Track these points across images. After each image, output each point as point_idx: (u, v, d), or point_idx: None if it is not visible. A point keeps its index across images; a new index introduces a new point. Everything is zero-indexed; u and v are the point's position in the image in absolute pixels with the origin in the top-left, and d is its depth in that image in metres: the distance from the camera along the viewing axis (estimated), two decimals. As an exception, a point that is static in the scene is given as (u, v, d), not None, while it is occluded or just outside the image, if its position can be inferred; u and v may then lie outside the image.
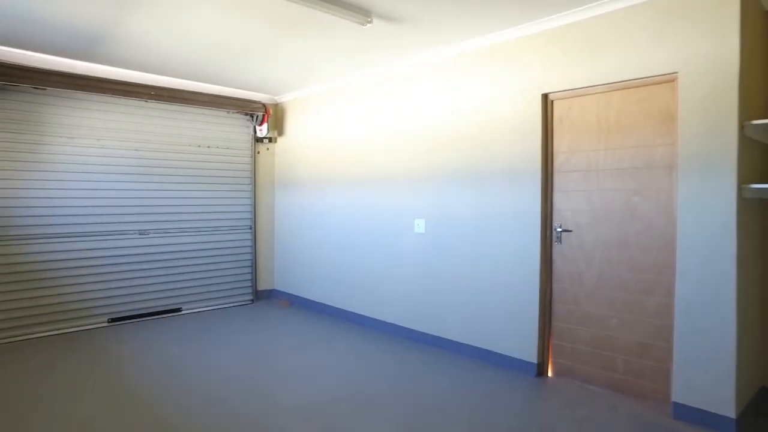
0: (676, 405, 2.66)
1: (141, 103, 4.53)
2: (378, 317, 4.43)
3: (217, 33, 3.42)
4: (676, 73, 2.64)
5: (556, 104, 3.26)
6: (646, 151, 2.83)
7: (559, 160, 3.25)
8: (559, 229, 3.24)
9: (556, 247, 3.27)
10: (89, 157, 4.27)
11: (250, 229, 5.47)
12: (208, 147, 5.05)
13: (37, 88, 3.93)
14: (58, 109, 4.09)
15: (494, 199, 3.54)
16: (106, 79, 4.19)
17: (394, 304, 4.29)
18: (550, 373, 3.33)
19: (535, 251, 3.30)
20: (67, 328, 4.18)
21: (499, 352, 3.52)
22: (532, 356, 3.33)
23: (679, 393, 2.65)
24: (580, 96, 3.12)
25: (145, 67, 4.28)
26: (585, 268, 3.12)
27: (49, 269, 4.08)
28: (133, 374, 3.24)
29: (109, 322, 4.40)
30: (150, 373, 3.27)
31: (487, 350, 3.59)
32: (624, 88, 2.90)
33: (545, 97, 3.28)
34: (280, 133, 5.66)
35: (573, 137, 3.17)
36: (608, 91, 2.98)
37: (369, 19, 3.10)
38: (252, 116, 5.37)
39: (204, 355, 3.63)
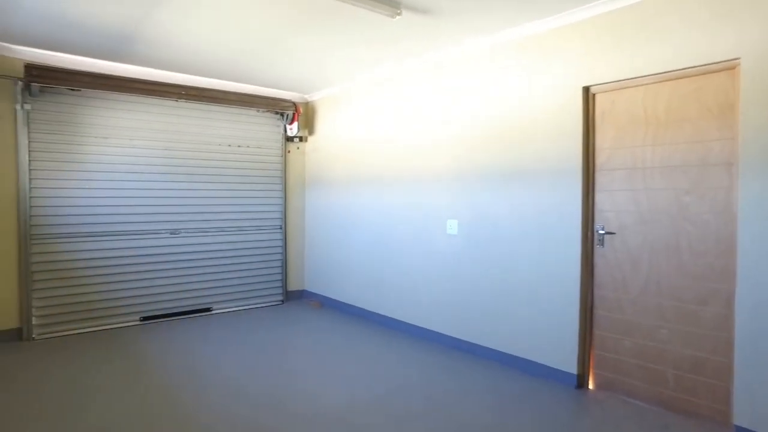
0: (740, 430, 2.40)
1: (171, 102, 4.54)
2: (408, 321, 4.30)
3: (246, 30, 3.37)
4: (738, 59, 2.39)
5: (598, 98, 3.03)
6: (700, 147, 2.58)
7: (601, 158, 3.02)
8: (602, 232, 3.02)
9: (598, 251, 3.04)
10: (122, 157, 4.31)
11: (281, 228, 5.44)
12: (239, 146, 5.04)
13: (72, 90, 3.99)
14: (92, 109, 4.15)
15: (531, 200, 3.34)
16: (137, 79, 4.22)
17: (425, 308, 4.15)
18: (591, 386, 3.11)
19: (575, 254, 3.09)
20: (101, 325, 4.24)
21: (535, 360, 3.32)
22: (571, 366, 3.12)
23: (742, 416, 2.39)
24: (625, 88, 2.89)
25: (175, 67, 4.29)
26: (630, 274, 2.89)
27: (84, 267, 4.15)
28: (159, 374, 3.22)
29: (140, 320, 4.44)
30: (177, 373, 3.24)
31: (522, 358, 3.40)
32: (676, 78, 2.66)
33: (586, 90, 3.06)
34: (311, 131, 5.60)
35: (617, 133, 2.94)
36: (658, 82, 2.74)
37: (398, 11, 2.97)
38: (282, 115, 5.32)
39: (231, 356, 3.58)
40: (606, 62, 2.92)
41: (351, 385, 3.10)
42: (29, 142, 3.86)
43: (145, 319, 4.46)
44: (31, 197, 3.88)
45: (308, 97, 5.55)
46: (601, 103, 3.02)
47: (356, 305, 4.89)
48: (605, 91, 2.99)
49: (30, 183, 3.88)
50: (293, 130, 5.33)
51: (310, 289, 5.63)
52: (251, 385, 3.07)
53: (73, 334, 4.08)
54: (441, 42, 3.62)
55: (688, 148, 2.63)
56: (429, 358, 3.62)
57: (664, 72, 2.66)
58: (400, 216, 4.38)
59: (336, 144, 5.18)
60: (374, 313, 4.67)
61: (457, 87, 3.85)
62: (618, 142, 2.93)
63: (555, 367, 3.20)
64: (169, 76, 4.45)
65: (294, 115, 5.28)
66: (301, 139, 5.55)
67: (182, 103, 4.60)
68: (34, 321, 3.93)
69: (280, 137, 5.39)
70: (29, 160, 3.87)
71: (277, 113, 5.30)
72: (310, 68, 4.33)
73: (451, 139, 3.90)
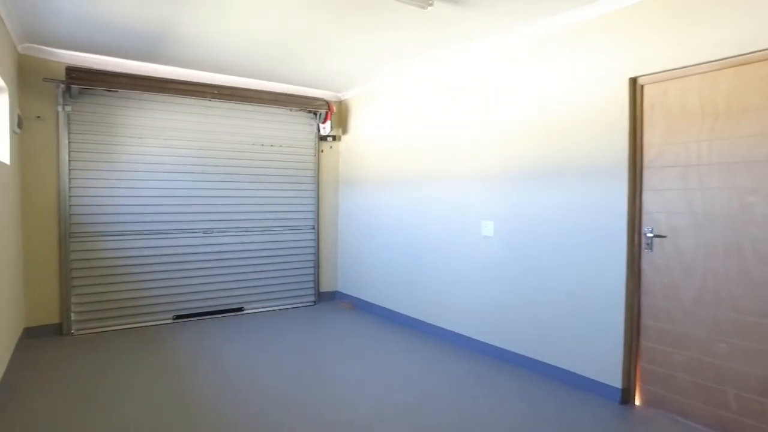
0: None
1: (205, 102, 4.57)
2: (441, 325, 4.14)
3: (277, 28, 3.33)
4: (811, 41, 2.11)
5: (647, 89, 2.79)
6: (766, 141, 2.31)
7: (650, 155, 2.78)
8: (650, 234, 2.77)
9: (646, 255, 2.80)
10: (157, 157, 4.37)
11: (313, 228, 5.39)
12: (271, 146, 5.02)
13: (109, 91, 4.07)
14: (129, 110, 4.22)
15: (572, 200, 3.12)
16: (171, 79, 4.27)
17: (458, 313, 3.98)
18: (637, 402, 2.86)
19: (619, 258, 2.85)
20: (136, 323, 4.31)
21: (576, 372, 3.10)
22: (615, 380, 2.88)
23: (811, 442, 2.12)
24: (678, 78, 2.64)
25: (208, 67, 4.31)
26: (682, 281, 2.63)
27: (120, 265, 4.22)
28: (188, 374, 3.21)
29: (173, 318, 4.48)
30: (205, 374, 3.22)
31: (562, 369, 3.18)
32: (739, 65, 2.39)
33: (633, 81, 2.82)
34: (344, 130, 5.53)
35: (668, 126, 2.69)
36: (717, 70, 2.48)
37: (430, 2, 2.84)
38: (315, 114, 5.27)
39: (261, 358, 3.54)
40: (656, 50, 2.67)
41: (381, 392, 2.98)
42: (69, 142, 3.97)
43: (178, 317, 4.50)
44: (70, 196, 3.99)
45: (341, 96, 5.48)
46: (650, 95, 2.77)
47: (388, 307, 4.77)
48: (655, 82, 2.74)
49: (69, 182, 3.98)
50: (326, 129, 5.27)
51: (342, 290, 5.56)
52: (279, 388, 3.01)
53: (109, 330, 4.16)
54: (474, 33, 3.45)
55: (753, 143, 2.35)
56: (462, 365, 3.45)
57: (725, 58, 2.40)
58: (433, 216, 4.23)
59: (369, 143, 5.08)
60: (406, 316, 4.53)
61: (490, 83, 3.67)
62: (669, 136, 2.68)
63: (597, 379, 2.97)
64: (202, 76, 4.48)
65: (327, 113, 5.21)
66: (334, 138, 5.48)
67: (216, 103, 4.63)
68: (72, 317, 4.03)
69: (313, 136, 5.34)
70: (69, 160, 3.97)
71: (310, 112, 5.26)
72: (343, 65, 4.25)
73: (485, 137, 3.72)
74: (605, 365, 2.93)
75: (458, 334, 3.96)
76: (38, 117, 3.86)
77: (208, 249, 4.67)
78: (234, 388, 2.99)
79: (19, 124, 3.64)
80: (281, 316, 4.81)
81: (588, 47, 3.02)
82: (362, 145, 5.20)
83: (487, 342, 3.72)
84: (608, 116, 2.91)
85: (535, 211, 3.35)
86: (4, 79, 3.20)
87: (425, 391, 2.99)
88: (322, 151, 5.45)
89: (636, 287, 2.85)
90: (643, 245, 2.80)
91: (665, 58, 2.63)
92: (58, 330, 3.99)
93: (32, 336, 3.89)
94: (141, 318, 4.33)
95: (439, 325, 4.16)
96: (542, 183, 3.31)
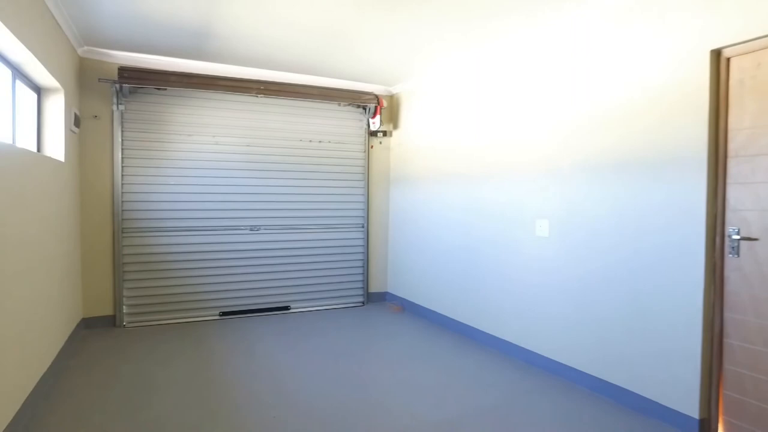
0: None
1: (251, 98, 4.56)
2: (493, 333, 3.81)
3: (324, 19, 3.22)
4: None
5: (733, 62, 2.32)
6: None
7: (737, 141, 2.31)
8: (736, 237, 2.30)
9: (731, 261, 2.33)
10: (205, 154, 4.42)
11: (363, 227, 5.24)
12: (320, 141, 4.93)
13: (158, 89, 4.16)
14: (178, 107, 4.30)
15: (638, 195, 2.69)
16: (217, 76, 4.28)
17: (511, 320, 3.63)
18: (719, 437, 2.39)
19: (695, 265, 2.40)
20: (183, 318, 4.38)
21: (645, 396, 2.66)
22: (692, 409, 2.43)
23: None
24: (775, 45, 2.16)
25: (253, 63, 4.28)
26: (780, 295, 2.15)
27: (169, 261, 4.31)
28: (227, 374, 3.15)
29: (220, 315, 4.51)
30: (245, 374, 3.14)
31: (625, 389, 2.76)
32: None
33: (717, 54, 2.36)
34: (395, 125, 5.32)
35: (761, 106, 2.21)
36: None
37: None
38: (364, 108, 5.11)
39: (304, 360, 3.41)
40: (746, 14, 2.21)
41: (427, 405, 2.72)
42: (122, 140, 4.10)
43: (224, 314, 4.52)
44: (123, 192, 4.12)
45: (392, 90, 5.28)
46: (738, 69, 2.30)
47: (439, 311, 4.49)
48: (745, 53, 2.27)
49: (122, 179, 4.11)
50: (376, 124, 5.09)
51: (392, 292, 5.36)
52: (313, 394, 2.85)
53: (158, 324, 4.25)
54: (531, 18, 3.11)
55: None
56: (515, 378, 3.12)
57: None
58: (484, 216, 3.91)
59: (420, 138, 4.83)
60: (457, 321, 4.23)
61: (545, 68, 3.30)
62: (763, 118, 2.20)
63: (671, 407, 2.53)
64: (248, 72, 4.47)
65: (376, 108, 5.04)
66: (384, 133, 5.30)
67: (262, 99, 4.60)
68: (124, 309, 4.16)
69: (363, 132, 5.19)
70: (122, 158, 4.10)
71: (359, 107, 5.11)
72: (394, 56, 4.05)
73: (540, 128, 3.36)
74: (680, 391, 2.49)
75: (511, 343, 3.62)
76: (95, 116, 4.02)
77: (255, 246, 4.65)
78: (265, 391, 2.88)
79: (78, 123, 3.80)
80: (328, 317, 4.69)
81: (659, 17, 2.58)
82: (413, 141, 4.96)
83: (537, 352, 3.35)
84: (683, 96, 2.47)
85: (594, 208, 2.94)
86: (60, 81, 3.34)
87: (474, 407, 2.70)
88: (371, 146, 5.28)
89: (717, 300, 2.38)
90: (727, 250, 2.33)
91: (758, 22, 2.16)
92: (112, 322, 4.14)
93: (89, 326, 4.06)
94: (188, 313, 4.39)
95: (491, 333, 3.83)
96: (602, 177, 2.90)
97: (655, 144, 2.60)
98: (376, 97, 5.03)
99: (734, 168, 2.32)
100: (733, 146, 2.32)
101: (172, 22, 3.34)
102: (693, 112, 2.42)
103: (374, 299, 5.38)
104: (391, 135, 5.38)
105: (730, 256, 2.32)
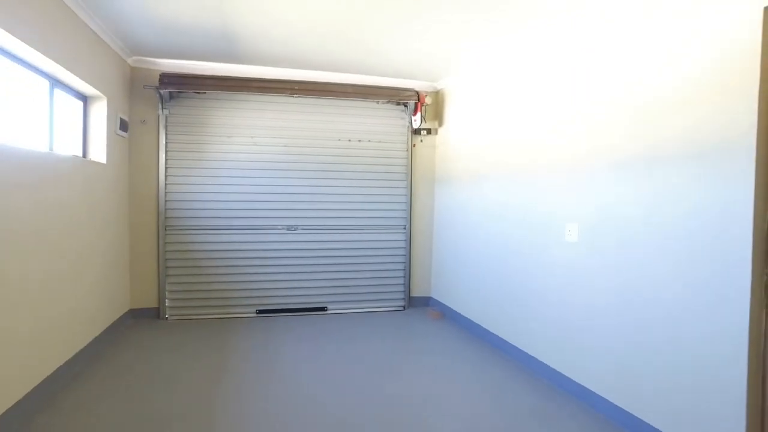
0: None
1: (287, 99, 4.58)
2: (522, 348, 3.43)
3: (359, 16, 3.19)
4: None
5: (794, 23, 1.80)
6: None
7: (795, 124, 1.78)
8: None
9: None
10: (244, 154, 4.53)
11: (404, 228, 5.04)
12: (359, 141, 4.83)
13: (198, 93, 4.35)
14: (217, 110, 4.45)
15: (671, 197, 2.22)
16: (251, 78, 4.37)
17: (538, 336, 3.24)
18: (768, 505, 1.87)
19: (742, 285, 1.90)
20: (221, 314, 4.53)
21: (672, 439, 2.20)
22: (731, 462, 1.94)
23: None
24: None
25: (287, 63, 4.29)
26: None
27: (208, 258, 4.48)
28: (251, 372, 3.17)
29: (256, 313, 4.60)
30: (269, 375, 3.15)
31: (648, 425, 2.30)
32: None
33: (771, 13, 1.85)
34: (440, 122, 5.06)
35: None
36: None
37: None
38: (405, 106, 4.92)
39: (336, 366, 3.32)
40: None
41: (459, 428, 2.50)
42: (166, 142, 4.34)
43: (260, 311, 4.60)
44: (166, 192, 4.36)
45: (437, 85, 5.02)
46: (796, 32, 1.78)
47: (477, 322, 4.15)
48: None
49: (166, 179, 4.35)
50: (417, 121, 4.88)
51: (436, 297, 5.09)
52: (335, 403, 2.73)
53: (198, 318, 4.44)
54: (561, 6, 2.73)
55: None
56: (539, 395, 2.76)
57: None
58: (517, 219, 3.54)
59: (465, 136, 4.52)
60: (492, 334, 3.89)
61: (585, 57, 2.88)
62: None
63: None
64: (283, 73, 4.49)
65: (416, 105, 4.82)
66: (429, 131, 5.06)
67: (298, 99, 4.61)
68: (167, 303, 4.40)
69: (405, 130, 5.00)
70: (166, 159, 4.34)
71: (399, 104, 4.92)
72: (438, 48, 3.84)
73: (574, 121, 2.94)
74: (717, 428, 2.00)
75: (536, 359, 3.23)
76: (143, 121, 4.30)
77: (292, 246, 4.68)
78: (277, 395, 2.84)
79: (125, 127, 4.09)
80: (365, 320, 4.58)
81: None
82: (457, 138, 4.66)
83: (561, 372, 2.94)
84: (724, 72, 1.98)
85: (626, 211, 2.48)
86: (102, 90, 3.62)
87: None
88: (414, 145, 5.07)
89: None
90: None
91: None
92: (156, 314, 4.40)
93: (135, 316, 4.35)
94: (226, 309, 4.53)
95: (521, 347, 3.45)
96: (634, 174, 2.44)
97: (697, 133, 2.13)
98: (416, 93, 4.81)
99: (790, 160, 1.80)
100: (788, 132, 1.80)
101: (201, 27, 3.45)
102: (741, 91, 1.92)
103: (416, 304, 5.16)
104: (436, 132, 5.12)
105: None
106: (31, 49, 2.57)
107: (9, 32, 2.34)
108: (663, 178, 2.27)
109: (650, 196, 2.34)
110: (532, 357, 3.29)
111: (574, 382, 2.86)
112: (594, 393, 2.70)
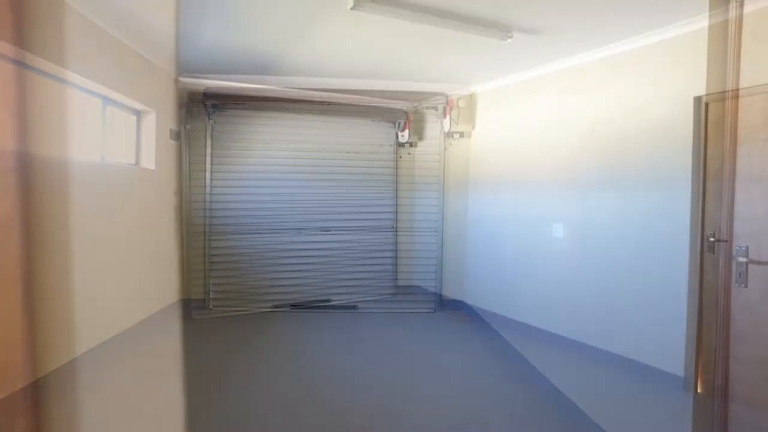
0: None
1: (321, 109, 4.88)
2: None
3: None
4: None
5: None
6: None
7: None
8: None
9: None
10: (280, 159, 4.91)
11: (436, 232, 5.08)
12: (390, 145, 4.97)
13: (236, 108, 4.76)
14: (256, 122, 4.86)
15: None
16: (285, 98, 4.76)
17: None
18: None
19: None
20: (258, 308, 4.89)
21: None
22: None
23: None
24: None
25: (324, 74, 4.52)
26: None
27: (245, 257, 4.88)
28: (271, 367, 3.39)
29: (290, 307, 4.91)
30: (289, 371, 3.35)
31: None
32: None
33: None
34: (474, 126, 5.02)
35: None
36: None
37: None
38: (435, 110, 4.97)
39: (354, 360, 3.54)
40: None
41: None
42: (211, 151, 4.80)
43: (294, 306, 4.91)
44: (211, 194, 4.82)
45: (471, 88, 4.99)
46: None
47: (490, 320, 4.10)
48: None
49: (211, 183, 4.81)
50: (447, 125, 4.91)
51: (467, 301, 5.03)
52: (347, 403, 2.86)
53: (237, 311, 4.84)
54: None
55: None
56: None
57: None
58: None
59: (495, 140, 4.57)
60: (505, 328, 3.82)
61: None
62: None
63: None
64: (318, 82, 4.75)
65: (445, 109, 4.84)
66: (461, 134, 5.04)
67: (330, 107, 4.88)
68: (211, 296, 4.86)
69: (437, 133, 5.09)
70: (211, 165, 4.80)
71: (428, 108, 4.98)
72: (469, 54, 3.89)
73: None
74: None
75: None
76: (191, 130, 4.79)
77: (325, 246, 4.96)
78: (285, 387, 3.05)
79: (175, 137, 4.60)
80: (393, 321, 4.65)
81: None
82: (489, 142, 4.65)
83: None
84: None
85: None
86: (151, 105, 4.12)
87: None
88: (445, 148, 5.09)
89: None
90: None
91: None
92: (202, 305, 4.87)
93: (185, 306, 4.85)
94: (262, 304, 4.90)
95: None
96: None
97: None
98: (446, 97, 4.84)
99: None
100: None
101: (250, 49, 3.84)
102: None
103: (449, 306, 5.15)
104: (470, 136, 5.09)
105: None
106: (84, 79, 3.09)
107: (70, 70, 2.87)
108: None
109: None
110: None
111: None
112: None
